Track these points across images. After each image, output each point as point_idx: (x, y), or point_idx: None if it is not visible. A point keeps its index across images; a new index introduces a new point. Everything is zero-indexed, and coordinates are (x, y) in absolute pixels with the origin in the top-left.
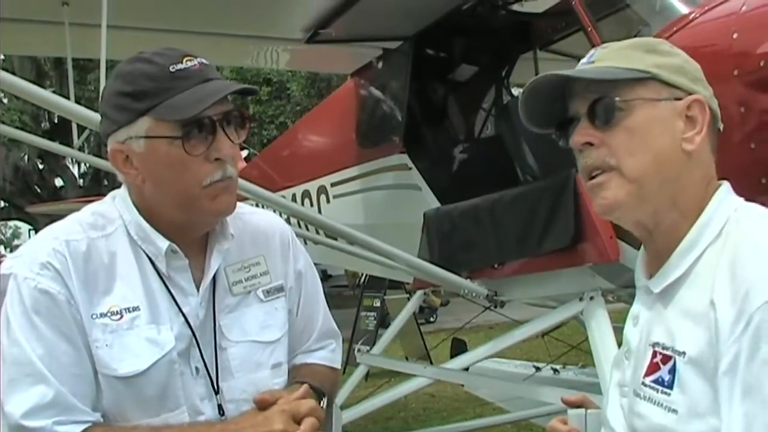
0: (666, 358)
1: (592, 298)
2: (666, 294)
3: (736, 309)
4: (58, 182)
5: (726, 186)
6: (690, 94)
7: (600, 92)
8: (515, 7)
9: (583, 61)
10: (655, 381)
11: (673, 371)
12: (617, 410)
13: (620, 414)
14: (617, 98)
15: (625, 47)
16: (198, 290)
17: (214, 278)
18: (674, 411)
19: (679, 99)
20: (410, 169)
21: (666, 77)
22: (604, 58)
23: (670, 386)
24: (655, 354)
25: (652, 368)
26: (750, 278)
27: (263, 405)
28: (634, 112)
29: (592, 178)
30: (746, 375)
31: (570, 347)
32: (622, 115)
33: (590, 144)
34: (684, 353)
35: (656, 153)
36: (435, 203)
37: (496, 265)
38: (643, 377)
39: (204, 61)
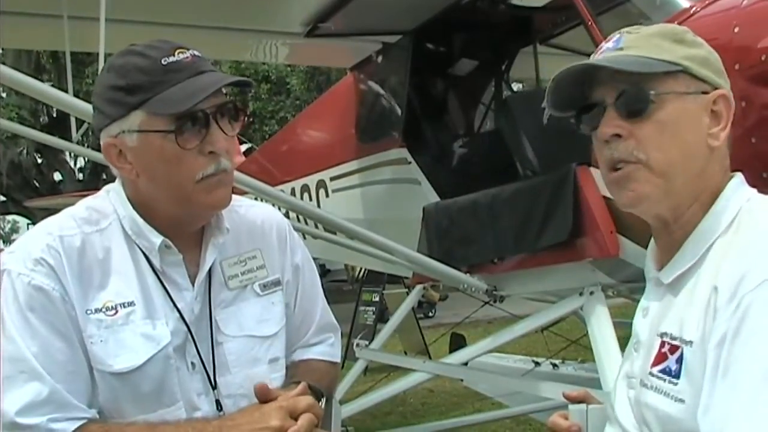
0: (674, 348)
1: (591, 293)
2: (676, 284)
3: (731, 291)
4: (57, 177)
5: (739, 177)
6: (715, 87)
7: (629, 82)
8: (515, 1)
9: (608, 45)
10: (663, 371)
11: (680, 361)
12: (625, 402)
13: (628, 406)
14: (651, 91)
15: (654, 35)
16: (193, 285)
17: (209, 273)
18: (681, 400)
19: (706, 93)
20: (410, 163)
21: (696, 70)
22: (633, 46)
23: (677, 376)
24: (663, 344)
25: (660, 358)
26: (749, 262)
27: (263, 393)
28: (666, 105)
29: (616, 170)
30: (727, 355)
31: (569, 342)
32: (653, 107)
33: (618, 135)
34: (691, 342)
35: (684, 148)
36: (434, 198)
37: (495, 260)
38: (651, 367)
39: (197, 53)
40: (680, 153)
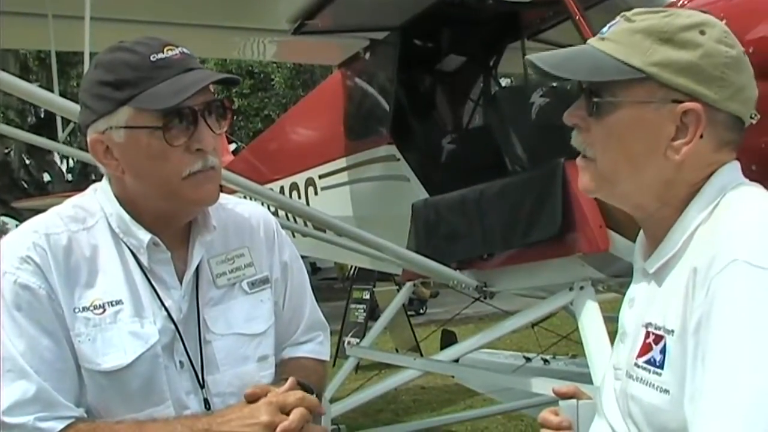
0: (658, 338)
1: (582, 288)
2: (660, 273)
3: (703, 274)
4: (45, 177)
5: (727, 167)
6: (693, 97)
7: (599, 79)
8: None
9: (603, 30)
10: (647, 362)
11: (664, 351)
12: (611, 394)
13: (614, 398)
14: (607, 94)
15: (641, 31)
16: (181, 283)
17: (197, 271)
18: (666, 391)
19: (679, 102)
20: (398, 160)
21: (665, 78)
22: (614, 39)
23: (662, 366)
24: (647, 335)
25: (645, 349)
26: (719, 245)
27: (253, 399)
28: (619, 110)
29: (582, 155)
30: (703, 342)
31: (560, 337)
32: (607, 110)
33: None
34: (672, 331)
35: (630, 157)
36: (423, 194)
37: (485, 256)
38: (636, 358)
39: (185, 50)
40: (625, 161)
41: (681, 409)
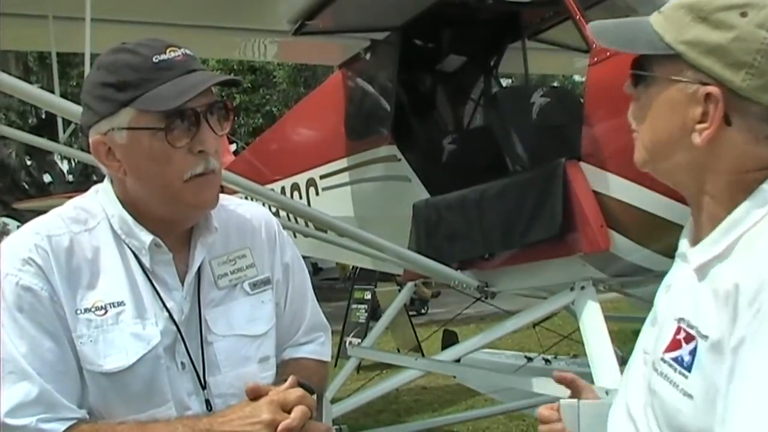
0: (689, 338)
1: (582, 287)
2: (701, 270)
3: (753, 294)
4: (47, 178)
5: None
6: (719, 81)
7: (630, 51)
8: None
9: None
10: (675, 359)
11: (693, 353)
12: (637, 378)
13: (640, 383)
14: (647, 69)
15: (683, 6)
16: (182, 284)
17: (199, 272)
18: (689, 396)
19: (706, 84)
20: (399, 160)
21: (692, 58)
22: (665, 12)
23: (689, 368)
24: (679, 330)
25: (674, 345)
26: None
27: (254, 393)
28: (653, 86)
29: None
30: (744, 361)
31: (561, 337)
32: (644, 83)
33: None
34: (707, 337)
35: (659, 134)
36: (424, 194)
37: (486, 256)
38: (663, 352)
39: (188, 52)
40: (655, 137)
41: (702, 415)
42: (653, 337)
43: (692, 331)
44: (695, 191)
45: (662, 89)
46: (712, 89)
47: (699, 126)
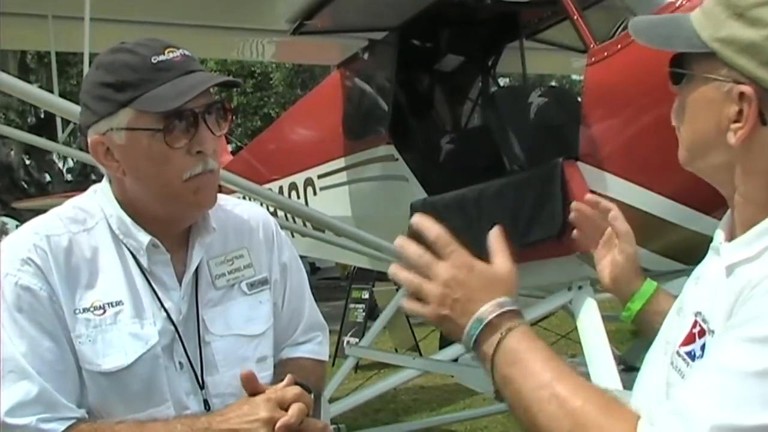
0: (702, 332)
1: (580, 287)
2: (730, 268)
3: (755, 286)
4: (46, 178)
5: None
6: (754, 80)
7: (667, 48)
8: None
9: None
10: (688, 353)
11: (704, 349)
12: (660, 367)
13: (661, 369)
14: (685, 67)
15: (723, 2)
16: (180, 284)
17: (196, 272)
18: None
19: (741, 83)
20: (397, 160)
21: (726, 56)
22: (704, 8)
23: None
24: (695, 324)
25: (689, 338)
26: None
27: (249, 380)
28: (689, 83)
29: None
30: (719, 340)
31: (559, 337)
32: (682, 81)
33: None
34: (713, 332)
35: (696, 133)
36: (422, 194)
37: (483, 256)
38: (680, 345)
39: (186, 52)
40: (693, 136)
41: None
42: (675, 328)
43: (705, 326)
44: (731, 191)
45: (698, 87)
46: (746, 88)
47: (734, 125)
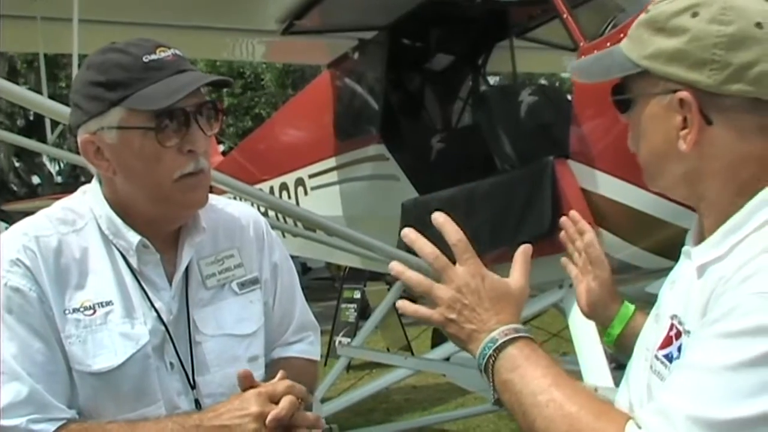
0: (679, 334)
1: (571, 285)
2: (701, 270)
3: (728, 285)
4: (35, 180)
5: None
6: (688, 85)
7: (606, 78)
8: None
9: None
10: (666, 356)
11: (680, 350)
12: (641, 373)
13: (642, 379)
14: (626, 92)
15: (642, 24)
16: (170, 284)
17: (187, 272)
18: None
19: (677, 90)
20: (388, 159)
21: (658, 69)
22: (630, 34)
23: None
24: (671, 327)
25: (667, 341)
26: (759, 266)
27: (246, 378)
28: (635, 106)
29: None
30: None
31: (551, 335)
32: (627, 106)
33: None
34: (689, 332)
35: (651, 150)
36: (413, 193)
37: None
38: (658, 349)
39: (178, 52)
40: (650, 152)
41: None
42: (653, 333)
43: (681, 327)
44: (696, 200)
45: (643, 108)
46: (684, 94)
47: (682, 132)
